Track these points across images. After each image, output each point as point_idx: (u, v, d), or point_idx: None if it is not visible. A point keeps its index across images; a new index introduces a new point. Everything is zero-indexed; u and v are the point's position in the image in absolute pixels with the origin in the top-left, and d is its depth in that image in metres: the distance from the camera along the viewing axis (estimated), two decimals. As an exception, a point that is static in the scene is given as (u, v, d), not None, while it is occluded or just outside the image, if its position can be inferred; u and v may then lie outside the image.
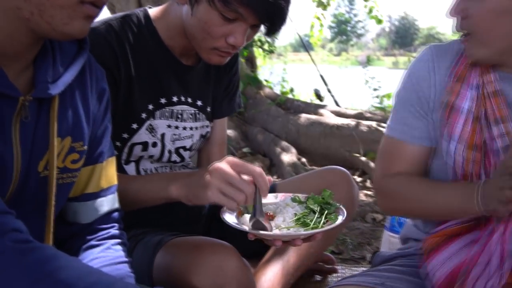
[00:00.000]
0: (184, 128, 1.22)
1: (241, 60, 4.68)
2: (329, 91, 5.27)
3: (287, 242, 0.91)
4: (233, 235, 1.33)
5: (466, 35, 0.92)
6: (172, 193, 0.95)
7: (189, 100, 1.23)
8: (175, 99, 1.18)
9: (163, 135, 1.17)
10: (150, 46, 1.14)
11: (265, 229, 0.88)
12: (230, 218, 0.92)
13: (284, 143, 3.74)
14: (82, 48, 0.78)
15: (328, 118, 3.85)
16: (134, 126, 1.12)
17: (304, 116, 3.94)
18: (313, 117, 3.91)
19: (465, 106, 0.93)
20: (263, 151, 3.87)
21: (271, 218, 0.94)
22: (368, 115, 3.98)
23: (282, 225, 0.92)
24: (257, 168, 0.87)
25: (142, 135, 1.13)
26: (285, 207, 0.98)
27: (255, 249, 1.33)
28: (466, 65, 0.96)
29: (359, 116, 3.94)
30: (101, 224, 0.85)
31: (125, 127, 1.11)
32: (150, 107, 1.14)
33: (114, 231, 0.86)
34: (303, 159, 3.59)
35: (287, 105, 4.36)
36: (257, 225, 0.88)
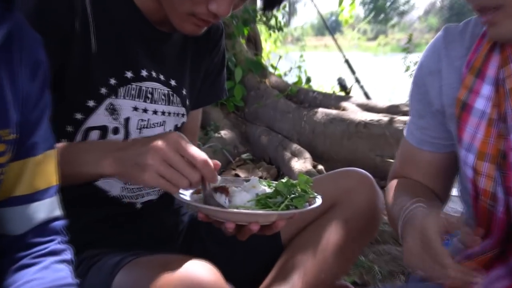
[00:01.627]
0: (155, 112, 1.24)
1: (241, 40, 4.69)
2: (357, 80, 5.26)
3: (242, 228, 0.97)
4: (220, 257, 1.35)
5: (493, 9, 0.92)
6: (104, 169, 1.00)
7: (161, 77, 1.26)
8: (144, 73, 1.21)
9: (127, 120, 1.19)
10: (117, 5, 1.16)
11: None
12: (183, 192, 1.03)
13: (296, 146, 3.74)
14: (6, 10, 0.77)
15: (353, 113, 3.83)
16: (91, 103, 1.14)
17: (321, 111, 3.92)
18: (334, 112, 3.89)
19: (478, 105, 0.95)
20: (269, 156, 3.86)
21: (226, 193, 1.02)
22: (406, 108, 3.96)
23: (239, 205, 1.00)
24: (201, 155, 0.93)
25: (101, 116, 1.15)
26: (250, 189, 1.05)
27: (250, 277, 1.35)
28: (482, 52, 0.98)
29: (394, 110, 3.91)
30: (37, 237, 0.85)
31: (79, 105, 1.13)
32: (112, 81, 1.16)
33: (54, 245, 0.86)
34: (320, 167, 3.57)
35: (300, 97, 4.35)
36: (209, 203, 0.97)
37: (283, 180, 1.07)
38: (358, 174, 1.37)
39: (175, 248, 1.38)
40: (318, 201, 1.05)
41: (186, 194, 1.06)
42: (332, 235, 1.32)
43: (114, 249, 1.16)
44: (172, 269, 0.93)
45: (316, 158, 3.70)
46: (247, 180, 1.13)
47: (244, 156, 3.87)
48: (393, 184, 1.19)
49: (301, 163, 3.48)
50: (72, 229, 1.20)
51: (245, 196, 1.05)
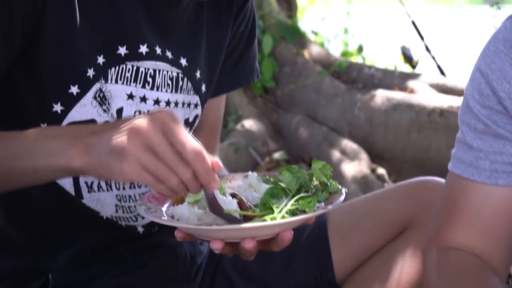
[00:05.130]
0: (157, 102, 1.26)
1: (270, -3, 4.67)
2: (427, 49, 5.18)
3: (234, 245, 0.98)
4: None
5: None
6: (72, 160, 0.97)
7: (168, 54, 1.27)
8: (143, 49, 1.22)
9: (120, 112, 1.21)
10: None
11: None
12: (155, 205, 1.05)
13: (347, 143, 3.72)
14: None
15: (425, 96, 3.80)
16: (74, 90, 1.15)
17: (381, 94, 3.90)
18: (398, 95, 3.86)
19: None
20: (310, 156, 3.85)
21: (244, 207, 1.02)
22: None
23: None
24: (194, 144, 0.91)
25: (88, 107, 1.16)
26: (246, 190, 1.07)
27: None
28: None
29: (481, 91, 3.87)
30: None
31: (59, 93, 1.14)
32: (101, 60, 1.17)
33: None
34: (381, 171, 3.57)
35: (351, 75, 4.31)
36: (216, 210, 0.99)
37: (288, 168, 1.06)
38: (439, 185, 1.36)
39: (192, 289, 1.38)
40: (341, 197, 1.05)
41: (162, 210, 1.07)
42: (406, 270, 1.31)
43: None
44: None
45: (375, 158, 3.69)
46: (246, 177, 1.14)
47: (276, 155, 3.87)
48: (431, 267, 1.14)
49: (355, 166, 3.47)
50: (55, 265, 1.22)
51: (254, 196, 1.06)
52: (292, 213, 1.00)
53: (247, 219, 1.01)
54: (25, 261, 1.24)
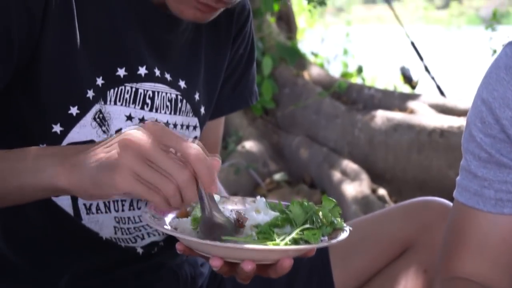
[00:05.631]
0: None
1: (270, 19, 4.70)
2: (426, 69, 5.21)
3: (233, 266, 0.97)
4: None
5: None
6: (57, 180, 0.95)
7: (167, 76, 1.27)
8: (142, 71, 1.22)
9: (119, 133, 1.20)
10: None
11: (215, 233, 0.97)
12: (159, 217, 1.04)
13: (347, 163, 3.73)
14: None
15: (425, 116, 3.83)
16: (74, 111, 1.15)
17: (381, 115, 3.92)
18: (398, 115, 3.89)
19: None
20: (311, 177, 3.86)
21: (240, 223, 1.01)
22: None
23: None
24: (193, 145, 0.90)
25: (87, 128, 1.17)
26: (251, 212, 1.05)
27: None
28: None
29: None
30: None
31: (59, 114, 1.14)
32: (100, 81, 1.17)
33: None
34: (382, 191, 3.58)
35: (351, 96, 4.34)
36: (210, 227, 0.98)
37: (300, 202, 1.05)
38: (440, 205, 1.37)
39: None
40: (344, 234, 1.04)
41: (166, 222, 1.06)
42: None
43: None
44: None
45: (376, 178, 3.69)
46: (253, 201, 1.13)
47: (277, 177, 3.88)
48: None
49: (356, 186, 3.47)
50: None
51: (248, 222, 1.04)
52: (295, 241, 1.00)
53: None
54: (25, 285, 1.24)
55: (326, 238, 1.05)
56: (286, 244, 0.98)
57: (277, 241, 0.98)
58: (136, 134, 0.90)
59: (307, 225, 1.02)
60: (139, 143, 0.89)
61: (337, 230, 1.06)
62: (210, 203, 0.98)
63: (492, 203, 1.11)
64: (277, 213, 1.06)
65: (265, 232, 1.00)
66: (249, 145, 3.98)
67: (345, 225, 1.07)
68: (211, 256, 0.96)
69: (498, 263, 1.11)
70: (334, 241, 1.02)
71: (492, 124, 1.10)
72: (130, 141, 0.89)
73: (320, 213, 1.05)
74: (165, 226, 1.04)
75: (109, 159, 0.90)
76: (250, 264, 0.95)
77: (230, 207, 1.14)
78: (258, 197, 1.11)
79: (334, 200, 1.06)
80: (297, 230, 1.00)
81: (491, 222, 1.11)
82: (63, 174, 0.95)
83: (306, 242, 1.00)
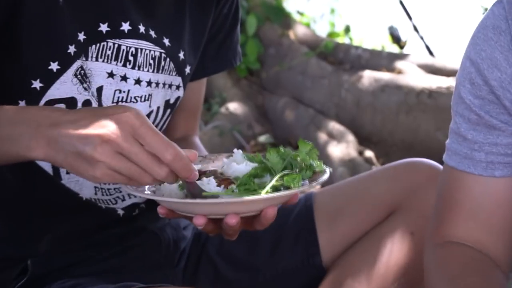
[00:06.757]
0: (138, 82, 1.26)
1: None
2: (415, 29, 5.19)
3: (218, 223, 1.00)
4: (238, 286, 1.35)
5: None
6: (33, 152, 0.97)
7: (151, 32, 1.27)
8: (125, 27, 1.22)
9: (100, 91, 1.21)
10: None
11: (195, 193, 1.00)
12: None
13: (334, 125, 3.74)
14: None
15: (413, 77, 3.83)
16: (54, 67, 1.15)
17: (369, 75, 3.92)
18: (386, 76, 3.89)
19: None
20: (296, 139, 3.84)
21: (225, 183, 1.04)
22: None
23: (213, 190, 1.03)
24: (169, 147, 0.94)
25: (68, 84, 1.16)
26: (232, 163, 1.08)
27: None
28: None
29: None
30: None
31: (38, 69, 1.14)
32: (81, 37, 1.17)
33: None
34: (369, 153, 3.60)
35: (338, 56, 4.33)
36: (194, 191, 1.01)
37: (276, 149, 1.07)
38: (428, 166, 1.37)
39: (176, 274, 1.40)
40: (325, 175, 1.06)
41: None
42: (394, 253, 1.32)
43: (95, 278, 1.17)
44: None
45: (363, 140, 3.71)
46: (230, 156, 1.15)
47: (262, 138, 3.89)
48: (433, 263, 1.14)
49: (342, 148, 3.49)
50: (34, 251, 1.22)
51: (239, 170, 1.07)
52: (276, 189, 1.01)
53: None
54: (2, 247, 1.24)
55: (307, 181, 1.06)
56: (267, 192, 0.99)
57: (258, 191, 1.00)
58: (112, 130, 0.92)
59: (286, 171, 1.04)
60: (117, 141, 0.92)
61: (317, 173, 1.08)
62: (192, 188, 1.01)
63: (483, 166, 1.11)
64: (256, 164, 1.08)
65: (245, 184, 1.02)
66: (233, 106, 3.98)
67: (324, 166, 1.09)
68: (194, 216, 0.98)
69: (491, 227, 1.12)
70: (314, 183, 1.04)
71: (481, 85, 1.09)
72: (108, 140, 0.92)
73: (298, 158, 1.06)
74: (146, 192, 1.06)
75: (87, 153, 0.92)
76: (234, 218, 0.97)
77: (210, 166, 1.16)
78: (235, 150, 1.13)
79: (310, 142, 1.07)
80: (276, 177, 1.02)
81: (483, 186, 1.11)
82: (38, 148, 0.96)
83: (287, 188, 1.01)
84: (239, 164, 1.08)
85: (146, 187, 1.08)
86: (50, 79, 1.15)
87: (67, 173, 1.21)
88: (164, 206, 1.03)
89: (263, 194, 0.99)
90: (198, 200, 0.98)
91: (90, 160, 0.92)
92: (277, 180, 1.02)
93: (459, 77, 1.14)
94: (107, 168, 0.93)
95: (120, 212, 1.30)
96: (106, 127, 0.92)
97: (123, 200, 1.31)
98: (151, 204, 1.34)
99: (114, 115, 0.94)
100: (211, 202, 0.97)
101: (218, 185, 1.04)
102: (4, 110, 1.02)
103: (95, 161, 0.92)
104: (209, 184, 1.03)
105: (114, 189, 1.28)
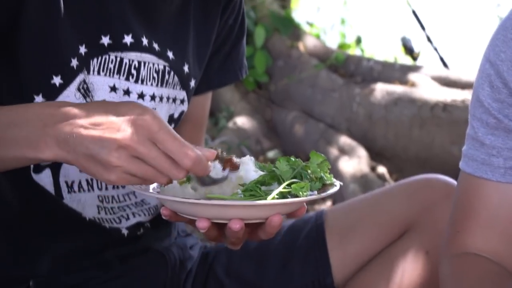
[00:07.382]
0: (141, 96, 1.26)
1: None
2: (429, 40, 5.20)
3: (221, 229, 1.01)
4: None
5: None
6: (42, 153, 0.96)
7: (155, 45, 1.27)
8: (128, 39, 1.22)
9: None
10: None
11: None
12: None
13: (345, 140, 3.74)
14: None
15: (427, 90, 3.82)
16: (57, 81, 1.15)
17: (381, 88, 3.92)
18: (399, 89, 3.88)
19: None
20: (305, 154, 3.84)
21: (231, 166, 1.04)
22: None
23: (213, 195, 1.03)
24: (189, 152, 0.93)
25: (71, 99, 1.16)
26: (244, 167, 1.07)
27: None
28: None
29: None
30: None
31: (40, 84, 1.14)
32: (83, 50, 1.17)
33: None
34: (382, 169, 3.59)
35: (349, 68, 4.33)
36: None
37: (286, 158, 1.07)
38: (443, 183, 1.37)
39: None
40: (334, 188, 1.06)
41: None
42: (408, 273, 1.32)
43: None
44: None
45: (375, 155, 3.71)
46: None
47: (270, 154, 3.89)
48: (449, 276, 1.12)
49: (354, 164, 3.48)
50: (36, 271, 1.22)
51: (232, 182, 1.06)
52: (283, 197, 1.00)
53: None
54: (3, 267, 1.23)
55: (315, 192, 1.05)
56: (273, 199, 0.99)
57: (264, 197, 1.00)
58: (128, 134, 0.91)
59: (295, 180, 1.03)
60: (134, 147, 0.91)
61: (326, 185, 1.07)
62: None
63: (501, 172, 1.09)
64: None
65: (251, 190, 1.01)
66: (241, 121, 3.98)
67: (335, 180, 1.08)
68: (198, 218, 0.98)
69: (509, 236, 1.10)
70: (323, 194, 1.03)
71: (500, 88, 1.08)
72: (124, 145, 0.91)
73: (309, 170, 1.06)
74: (150, 191, 1.08)
75: (102, 157, 0.92)
76: (238, 223, 0.96)
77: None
78: (248, 156, 1.12)
79: (322, 155, 1.07)
80: (284, 184, 1.01)
81: (501, 193, 1.10)
82: (48, 149, 0.95)
83: (295, 196, 1.00)
84: (249, 169, 1.08)
85: (151, 187, 1.09)
86: (53, 94, 1.15)
87: (69, 192, 1.21)
88: (168, 207, 1.03)
89: (269, 200, 0.98)
90: (201, 201, 0.98)
91: (105, 163, 0.92)
92: (284, 188, 1.01)
93: (478, 80, 1.13)
94: (122, 172, 0.93)
95: (125, 231, 1.30)
96: (122, 131, 0.92)
97: (127, 219, 1.30)
98: (156, 223, 1.35)
99: (129, 115, 0.93)
100: (214, 203, 0.97)
101: (223, 169, 1.04)
102: (4, 110, 1.01)
103: (110, 166, 0.92)
104: (215, 169, 1.03)
105: (118, 207, 1.28)
